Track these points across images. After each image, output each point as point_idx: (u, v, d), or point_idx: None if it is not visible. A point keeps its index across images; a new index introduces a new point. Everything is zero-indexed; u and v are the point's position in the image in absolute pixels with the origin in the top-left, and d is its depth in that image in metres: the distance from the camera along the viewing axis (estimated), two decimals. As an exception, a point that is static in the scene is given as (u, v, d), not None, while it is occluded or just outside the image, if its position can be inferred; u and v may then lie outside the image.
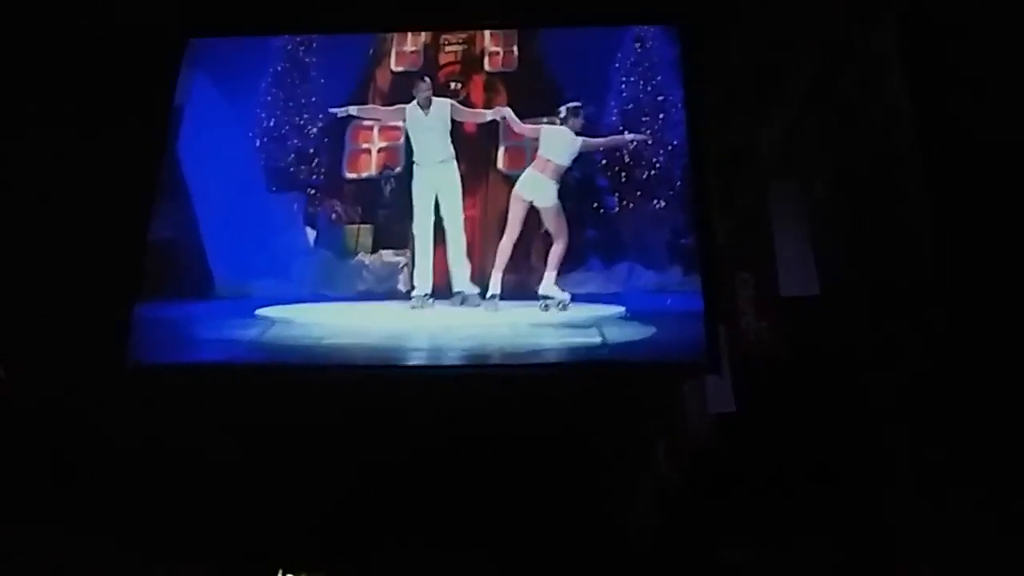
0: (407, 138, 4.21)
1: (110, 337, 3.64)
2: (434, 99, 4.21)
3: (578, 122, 4.09)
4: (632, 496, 3.57)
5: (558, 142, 4.11)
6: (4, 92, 3.87)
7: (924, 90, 3.24)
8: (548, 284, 3.89)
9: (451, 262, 4.02)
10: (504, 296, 3.94)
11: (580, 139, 4.10)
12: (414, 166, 4.16)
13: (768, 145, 3.86)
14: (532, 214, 4.04)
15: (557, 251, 3.94)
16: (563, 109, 4.12)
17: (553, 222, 3.98)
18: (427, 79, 4.25)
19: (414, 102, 4.21)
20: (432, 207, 4.07)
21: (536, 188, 4.06)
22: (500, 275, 3.94)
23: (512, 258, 3.97)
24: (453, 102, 4.23)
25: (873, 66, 3.50)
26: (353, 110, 4.23)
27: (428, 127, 4.17)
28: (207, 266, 3.99)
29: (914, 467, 3.12)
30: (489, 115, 4.20)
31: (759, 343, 3.52)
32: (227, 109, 4.31)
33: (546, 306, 3.84)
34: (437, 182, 4.10)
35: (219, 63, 4.37)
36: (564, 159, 4.09)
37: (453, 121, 4.19)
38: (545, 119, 4.19)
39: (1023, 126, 2.94)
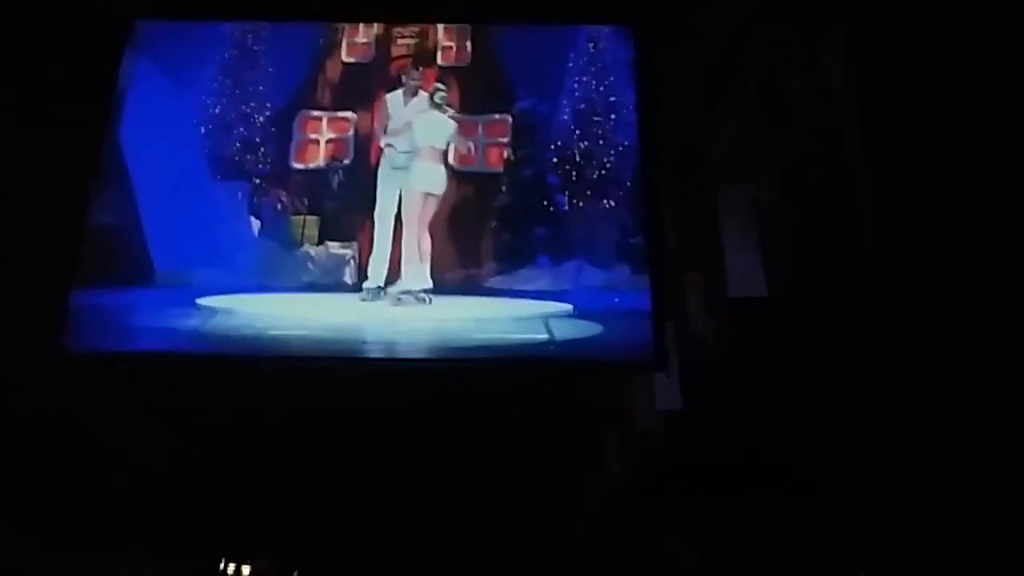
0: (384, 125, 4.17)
1: (47, 324, 3.53)
2: (420, 92, 4.19)
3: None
4: (579, 492, 3.56)
5: (432, 127, 4.13)
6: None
7: (870, 97, 3.30)
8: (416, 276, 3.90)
9: (404, 256, 3.97)
10: (452, 291, 3.91)
11: (453, 121, 4.15)
12: (385, 152, 4.12)
13: (718, 148, 3.91)
14: (477, 204, 4.03)
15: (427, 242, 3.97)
16: (433, 92, 4.16)
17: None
18: (420, 70, 4.22)
19: (400, 89, 4.19)
20: (396, 198, 4.03)
21: (427, 179, 4.08)
22: (412, 268, 3.92)
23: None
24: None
25: (820, 72, 3.57)
26: None
27: (407, 117, 4.12)
28: (147, 253, 3.88)
29: (855, 464, 3.17)
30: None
31: (707, 342, 3.56)
32: (172, 94, 4.20)
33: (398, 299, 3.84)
34: (403, 174, 4.05)
35: (165, 47, 4.26)
36: (440, 142, 4.12)
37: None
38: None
39: (966, 133, 3.01)
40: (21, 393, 3.41)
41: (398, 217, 4.03)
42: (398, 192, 4.05)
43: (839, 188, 3.55)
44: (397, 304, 3.85)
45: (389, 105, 4.19)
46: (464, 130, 4.21)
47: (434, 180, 4.09)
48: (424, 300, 3.87)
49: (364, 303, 3.85)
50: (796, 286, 3.51)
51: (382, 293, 3.87)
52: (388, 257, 3.96)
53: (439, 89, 4.17)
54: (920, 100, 3.30)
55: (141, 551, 3.37)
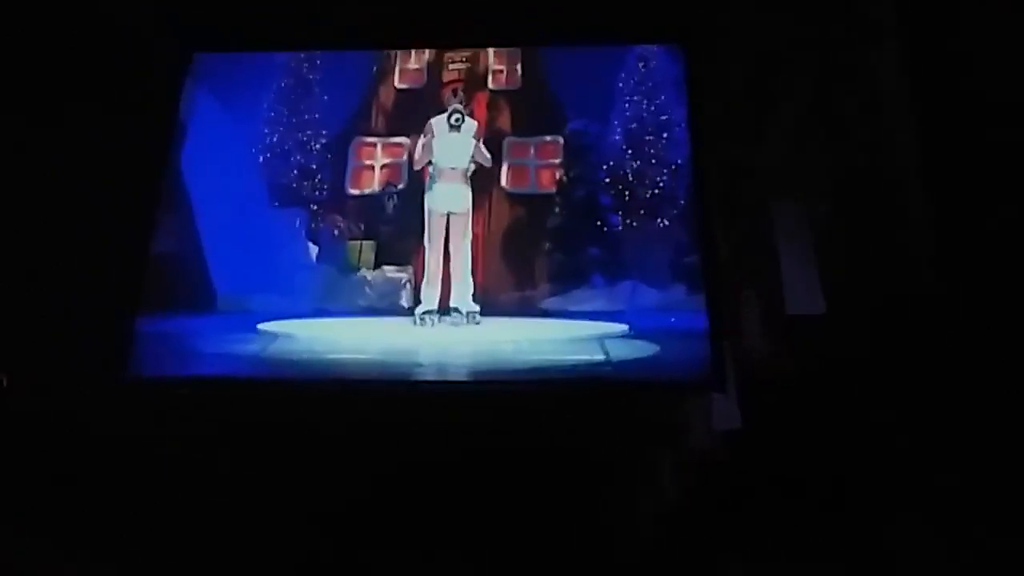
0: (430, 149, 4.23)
1: (111, 350, 3.63)
2: (467, 118, 4.25)
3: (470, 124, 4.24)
4: (636, 513, 3.54)
5: (452, 148, 4.20)
6: (6, 103, 3.85)
7: (925, 105, 3.27)
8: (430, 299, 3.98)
9: (425, 278, 4.02)
10: (506, 313, 3.94)
11: (473, 141, 4.21)
12: (432, 179, 4.18)
13: (771, 163, 3.88)
14: (531, 226, 4.09)
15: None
16: (450, 117, 4.24)
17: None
18: (459, 95, 4.31)
19: (444, 115, 4.25)
20: (445, 223, 4.08)
21: (446, 200, 4.13)
22: (435, 291, 4.00)
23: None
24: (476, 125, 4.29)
25: (873, 83, 3.54)
26: None
27: (455, 142, 4.18)
28: (209, 280, 3.98)
29: (920, 486, 3.11)
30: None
31: (764, 360, 3.52)
32: (230, 124, 4.31)
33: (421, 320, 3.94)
34: (451, 198, 4.10)
35: (223, 78, 4.39)
36: (460, 162, 4.16)
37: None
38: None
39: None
40: (87, 419, 3.50)
41: (446, 241, 4.08)
42: (447, 216, 4.11)
43: (895, 200, 3.52)
44: (427, 326, 3.93)
45: (435, 129, 4.24)
46: (516, 152, 4.26)
47: (455, 199, 4.14)
48: (434, 321, 3.93)
49: (416, 327, 3.90)
50: (855, 302, 3.47)
51: (435, 316, 3.92)
52: (438, 281, 4.03)
53: (456, 111, 4.23)
54: (974, 107, 3.26)
55: (203, 573, 3.44)
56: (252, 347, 3.80)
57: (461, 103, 4.27)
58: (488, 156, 4.20)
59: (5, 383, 3.51)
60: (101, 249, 3.76)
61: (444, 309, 3.95)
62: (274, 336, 3.83)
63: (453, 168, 4.15)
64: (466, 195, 4.13)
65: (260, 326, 3.88)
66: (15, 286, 3.64)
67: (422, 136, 4.23)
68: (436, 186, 4.15)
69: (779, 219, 3.72)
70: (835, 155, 3.71)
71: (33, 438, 3.45)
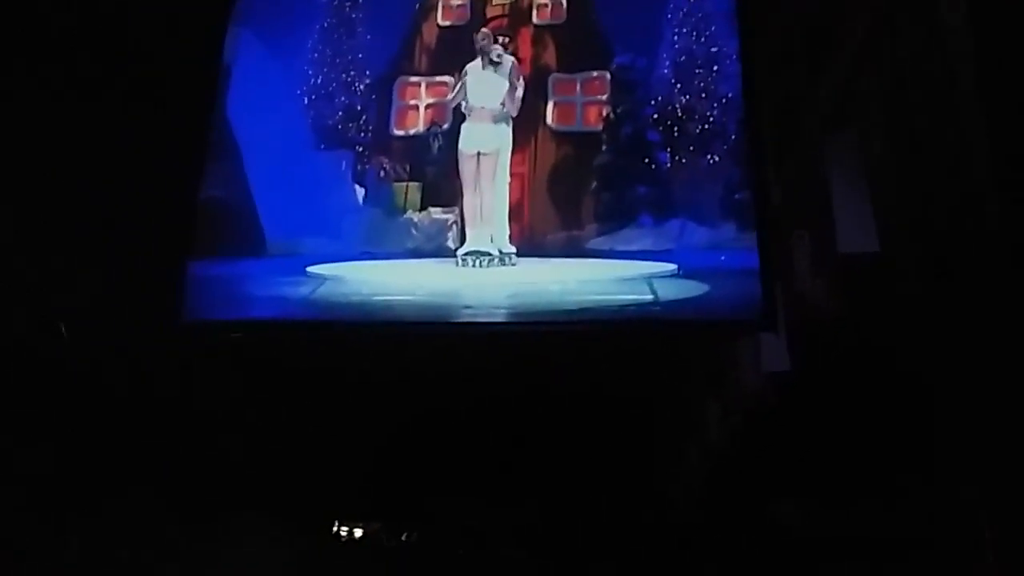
0: (464, 90, 4.14)
1: (164, 294, 3.69)
2: (504, 57, 4.15)
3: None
4: (684, 454, 3.55)
5: (484, 87, 4.09)
6: (55, 53, 3.88)
7: (988, 44, 3.12)
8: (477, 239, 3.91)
9: (495, 222, 3.99)
10: (554, 253, 3.91)
11: (506, 79, 4.09)
12: (465, 118, 4.11)
13: (824, 98, 3.76)
14: (577, 165, 3.99)
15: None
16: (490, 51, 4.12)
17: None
18: (495, 35, 4.20)
19: (478, 60, 4.16)
20: (476, 163, 4.04)
21: (474, 140, 4.04)
22: (474, 232, 3.93)
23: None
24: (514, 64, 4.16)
25: (934, 19, 3.38)
26: None
27: (488, 80, 4.11)
28: (258, 224, 4.01)
29: (971, 427, 3.06)
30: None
31: (815, 301, 3.46)
32: (275, 67, 4.30)
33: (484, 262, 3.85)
34: (480, 137, 4.05)
35: (266, 20, 4.35)
36: (493, 101, 4.06)
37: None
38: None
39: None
40: (141, 362, 3.58)
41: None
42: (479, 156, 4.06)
43: (953, 134, 3.39)
44: (470, 266, 3.87)
45: (470, 66, 4.17)
46: (561, 89, 4.18)
47: (485, 138, 4.06)
48: (488, 263, 3.87)
49: (463, 268, 3.89)
50: (910, 239, 3.37)
51: (474, 258, 3.90)
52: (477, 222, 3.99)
53: (496, 47, 4.13)
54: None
55: (256, 514, 3.53)
56: (302, 290, 3.82)
57: (503, 43, 4.17)
58: (517, 103, 4.11)
59: (64, 331, 3.60)
60: (152, 196, 3.80)
61: (477, 251, 3.90)
62: (323, 279, 3.86)
63: (483, 107, 4.08)
64: (497, 134, 4.05)
65: (309, 269, 3.90)
66: (70, 236, 3.72)
67: (463, 75, 4.15)
68: (465, 126, 4.08)
69: (832, 155, 3.61)
70: (892, 90, 3.57)
71: (93, 383, 3.56)
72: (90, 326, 3.63)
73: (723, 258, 3.73)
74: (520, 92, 4.10)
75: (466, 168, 4.02)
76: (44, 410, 3.43)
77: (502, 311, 3.81)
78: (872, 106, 3.59)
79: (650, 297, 3.66)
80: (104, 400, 3.55)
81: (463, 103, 4.11)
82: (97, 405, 3.54)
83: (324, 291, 3.83)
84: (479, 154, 4.02)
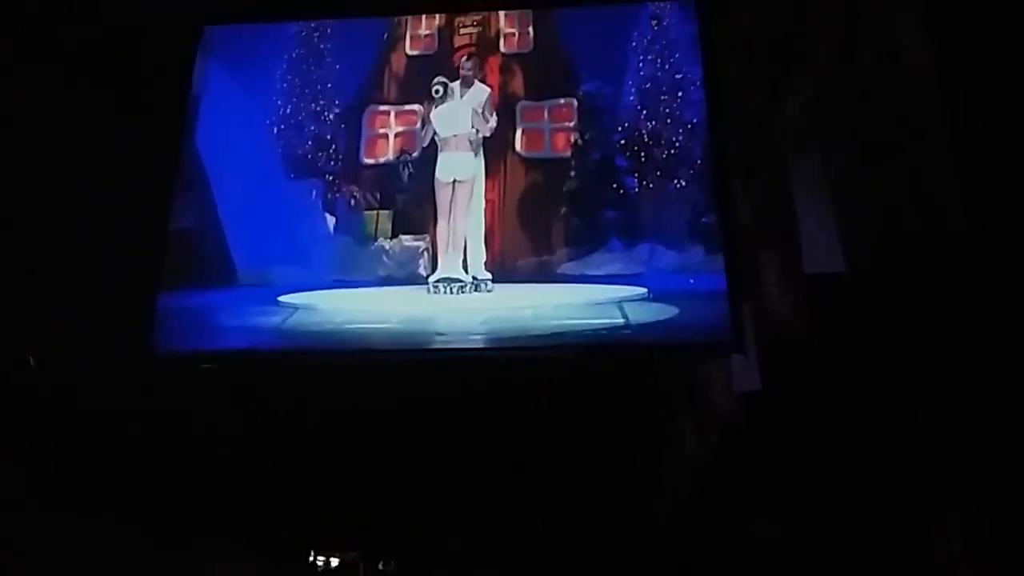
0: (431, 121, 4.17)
1: (134, 326, 3.67)
2: (476, 83, 4.21)
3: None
4: (658, 475, 3.57)
5: (449, 117, 4.14)
6: (24, 83, 3.87)
7: (947, 60, 3.20)
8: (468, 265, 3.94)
9: (470, 247, 4.01)
10: (525, 279, 3.94)
11: (470, 106, 4.15)
12: (440, 149, 4.14)
13: (788, 120, 3.83)
14: (547, 190, 4.05)
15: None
16: (438, 86, 4.15)
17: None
18: (471, 60, 4.26)
19: (457, 81, 4.20)
20: (451, 191, 4.07)
21: (450, 168, 4.09)
22: (446, 258, 3.96)
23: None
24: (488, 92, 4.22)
25: (894, 37, 3.46)
26: None
27: (452, 110, 4.15)
28: (229, 254, 4.00)
29: (940, 445, 3.10)
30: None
31: (784, 320, 3.51)
32: (244, 97, 4.30)
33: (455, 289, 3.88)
34: (455, 165, 4.08)
35: (235, 51, 4.38)
36: (462, 129, 4.12)
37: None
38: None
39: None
40: (111, 394, 3.55)
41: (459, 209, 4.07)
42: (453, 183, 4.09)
43: (917, 155, 3.46)
44: (442, 294, 3.89)
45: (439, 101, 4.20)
46: (529, 116, 4.22)
47: (459, 167, 4.10)
48: (458, 290, 3.90)
49: (435, 296, 3.90)
50: (876, 258, 3.43)
51: (445, 285, 3.92)
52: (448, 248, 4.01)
53: (442, 83, 4.16)
54: (996, 55, 3.19)
55: (231, 544, 3.50)
56: (273, 319, 3.82)
57: (472, 68, 4.22)
58: (491, 123, 4.15)
59: (33, 363, 3.57)
60: (121, 228, 3.78)
61: (449, 278, 3.92)
62: (295, 308, 3.86)
63: (455, 135, 4.12)
64: (470, 162, 4.10)
65: (281, 298, 3.90)
66: (39, 268, 3.69)
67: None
68: (441, 155, 4.12)
69: (798, 176, 3.67)
70: (854, 110, 3.65)
71: (61, 414, 3.52)
72: (60, 357, 3.60)
73: (692, 281, 3.78)
74: (493, 122, 4.14)
75: (441, 195, 4.06)
76: (13, 440, 3.39)
77: (476, 337, 3.82)
78: (835, 126, 3.66)
79: (621, 321, 3.70)
80: (75, 431, 3.52)
81: (435, 135, 4.14)
82: (68, 436, 3.50)
83: (296, 320, 3.83)
84: (455, 181, 4.06)
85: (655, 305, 3.75)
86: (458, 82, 4.20)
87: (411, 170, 4.16)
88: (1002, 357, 2.79)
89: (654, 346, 3.71)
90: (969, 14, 3.15)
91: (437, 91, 4.15)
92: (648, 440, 3.55)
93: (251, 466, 3.57)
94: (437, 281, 3.92)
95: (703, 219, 3.88)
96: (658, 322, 3.67)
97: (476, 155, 4.12)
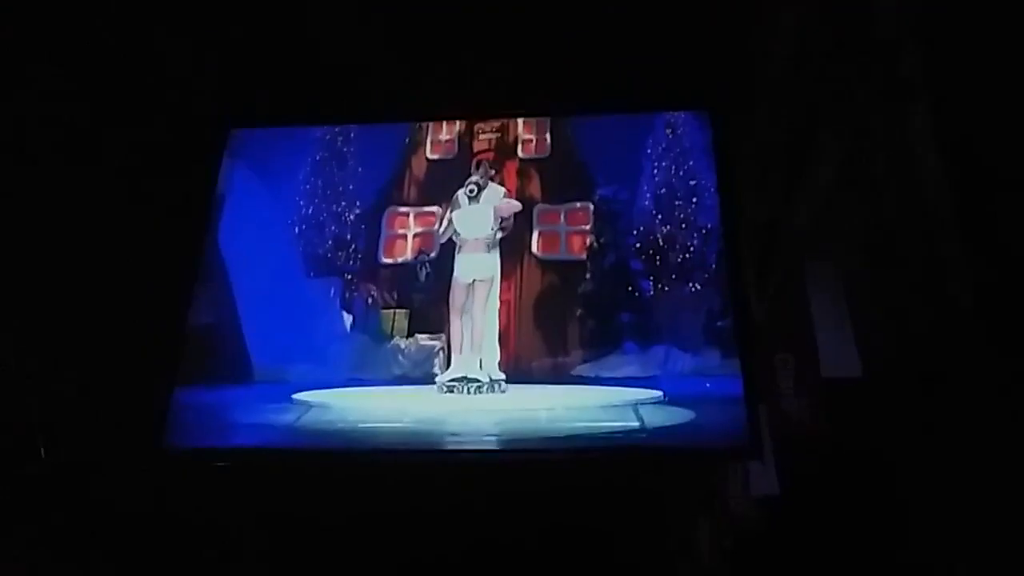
0: (452, 225, 4.28)
1: (149, 421, 3.67)
2: (491, 184, 4.31)
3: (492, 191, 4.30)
4: (675, 583, 3.49)
5: (471, 219, 4.25)
6: (46, 174, 3.97)
7: (960, 165, 3.26)
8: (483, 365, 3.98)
9: (484, 347, 4.03)
10: (539, 380, 3.94)
11: (491, 207, 4.25)
12: (458, 250, 4.22)
13: (802, 223, 3.88)
14: (562, 292, 4.10)
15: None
16: (472, 186, 4.30)
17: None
18: (481, 166, 4.36)
19: (465, 188, 4.30)
20: (468, 291, 4.11)
21: (469, 269, 4.16)
22: (460, 357, 4.01)
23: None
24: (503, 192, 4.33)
25: (906, 143, 3.53)
26: None
27: (475, 212, 4.23)
28: (246, 351, 4.03)
29: (961, 544, 3.03)
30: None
31: (800, 424, 3.48)
32: (267, 197, 4.40)
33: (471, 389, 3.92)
34: (475, 266, 4.13)
35: (260, 153, 4.50)
36: (483, 232, 4.21)
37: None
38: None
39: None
40: (124, 490, 3.54)
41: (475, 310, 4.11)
42: (473, 283, 4.15)
43: (932, 258, 3.48)
44: (455, 393, 3.91)
45: (460, 200, 4.30)
46: (546, 219, 4.29)
47: (478, 267, 4.17)
48: (475, 390, 3.92)
49: (448, 395, 3.91)
50: (893, 364, 3.42)
51: (459, 384, 3.93)
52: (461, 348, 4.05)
53: (471, 183, 4.29)
54: (1008, 160, 3.24)
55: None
56: (287, 417, 3.81)
57: (484, 175, 4.32)
58: (513, 206, 4.27)
59: (43, 451, 3.56)
60: (139, 322, 3.82)
61: (466, 378, 3.94)
62: (308, 406, 3.85)
63: (476, 238, 4.19)
64: (490, 263, 4.16)
65: (295, 396, 3.90)
66: (55, 359, 3.72)
67: (448, 210, 4.29)
68: (460, 256, 4.19)
69: (812, 281, 3.70)
70: (868, 214, 3.69)
71: (71, 508, 3.49)
72: (72, 449, 3.59)
73: (708, 385, 3.76)
74: (510, 221, 4.21)
75: (458, 295, 4.10)
76: (20, 529, 3.37)
77: (490, 438, 3.79)
78: (850, 231, 3.70)
79: (636, 424, 3.67)
80: (83, 524, 3.48)
81: (454, 236, 4.21)
82: (75, 529, 3.47)
83: (309, 418, 3.82)
84: (474, 281, 4.10)
85: (671, 408, 3.73)
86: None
87: (428, 269, 4.21)
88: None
89: (670, 450, 3.67)
90: (982, 125, 3.23)
91: (472, 191, 4.27)
92: (663, 545, 3.48)
93: (260, 565, 3.51)
94: (452, 380, 3.92)
95: (719, 323, 3.89)
96: (674, 426, 3.64)
97: (493, 255, 4.17)
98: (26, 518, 3.38)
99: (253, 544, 3.46)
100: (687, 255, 4.11)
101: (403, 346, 4.05)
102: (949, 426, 3.12)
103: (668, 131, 4.38)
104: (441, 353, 4.02)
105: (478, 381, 3.92)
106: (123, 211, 4.03)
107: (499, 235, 4.21)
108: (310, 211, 4.39)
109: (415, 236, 4.33)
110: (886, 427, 3.28)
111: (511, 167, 4.42)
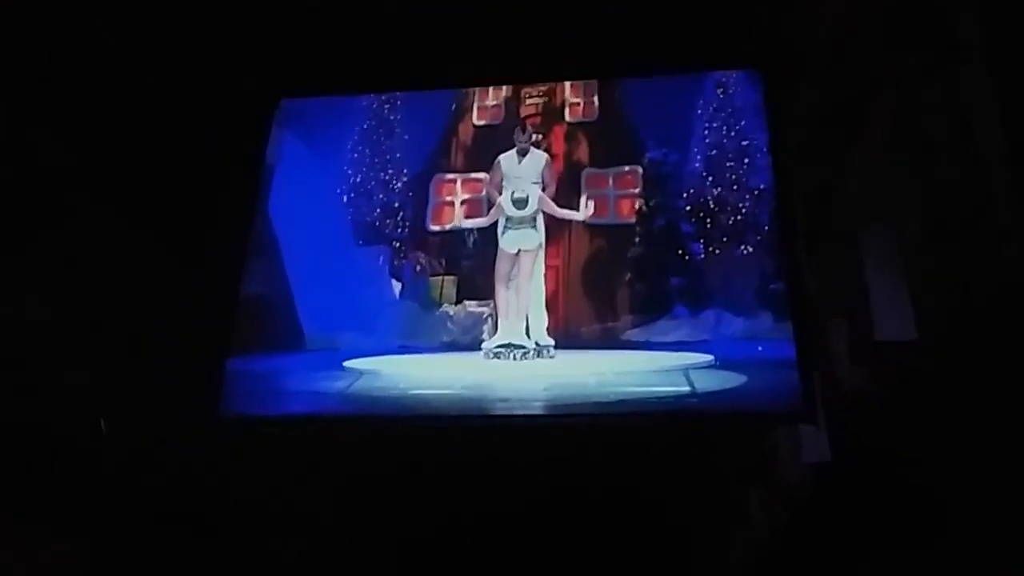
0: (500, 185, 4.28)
1: (204, 390, 3.74)
2: (532, 150, 4.28)
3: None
4: (723, 548, 3.46)
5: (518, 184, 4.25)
6: (101, 150, 4.04)
7: (1016, 123, 3.14)
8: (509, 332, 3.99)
9: (532, 314, 4.02)
10: (589, 345, 3.93)
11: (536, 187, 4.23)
12: (504, 215, 4.20)
13: (857, 185, 3.77)
14: (611, 257, 4.09)
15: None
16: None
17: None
18: (528, 129, 4.34)
19: (512, 150, 4.29)
20: (514, 260, 4.10)
21: (517, 239, 4.16)
22: (507, 324, 4.02)
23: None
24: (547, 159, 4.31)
25: (962, 101, 3.41)
26: None
27: (521, 176, 4.20)
28: (297, 320, 4.09)
29: (1015, 514, 2.95)
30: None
31: (854, 390, 3.41)
32: (316, 166, 4.44)
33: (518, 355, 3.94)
34: (521, 237, 4.12)
35: (308, 122, 4.52)
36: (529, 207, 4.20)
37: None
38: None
39: None
40: (182, 457, 3.61)
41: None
42: (518, 249, 4.17)
43: (988, 220, 3.37)
44: (503, 360, 3.94)
45: (503, 165, 4.28)
46: (594, 183, 4.25)
47: (524, 238, 4.17)
48: (521, 356, 3.95)
49: (496, 362, 3.93)
50: (947, 327, 3.33)
51: (507, 351, 3.96)
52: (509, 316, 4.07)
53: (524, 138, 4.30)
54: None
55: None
56: (338, 384, 3.86)
57: (530, 137, 4.28)
58: (549, 190, 4.26)
59: (104, 426, 3.65)
60: (194, 293, 3.88)
61: (511, 344, 3.96)
62: (359, 373, 3.90)
63: (521, 214, 4.19)
64: (537, 231, 4.14)
65: (346, 363, 3.95)
66: (112, 330, 3.80)
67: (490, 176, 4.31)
68: (506, 226, 4.20)
69: (867, 243, 3.60)
70: (924, 176, 3.58)
71: (131, 478, 3.58)
72: (129, 420, 3.68)
73: (760, 349, 3.72)
74: (553, 188, 4.18)
75: (503, 264, 4.09)
76: (81, 504, 3.46)
77: (538, 404, 3.81)
78: (905, 193, 3.59)
79: (687, 389, 3.64)
80: (141, 495, 3.57)
81: (502, 205, 4.21)
82: (134, 500, 3.56)
83: (360, 385, 3.87)
84: (519, 251, 4.09)
85: (722, 373, 3.69)
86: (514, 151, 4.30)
87: (476, 236, 4.21)
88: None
89: (721, 415, 3.64)
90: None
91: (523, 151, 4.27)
92: (713, 511, 3.45)
93: (313, 532, 3.57)
94: (498, 347, 3.93)
95: (771, 286, 3.83)
96: (725, 390, 3.61)
97: (539, 223, 4.14)
98: (88, 491, 3.48)
99: (305, 509, 3.52)
100: (739, 217, 4.05)
101: (452, 313, 4.07)
102: (1007, 394, 3.03)
103: (719, 91, 4.30)
104: (490, 320, 4.03)
105: (523, 347, 3.92)
106: (176, 183, 4.08)
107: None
108: (358, 179, 4.41)
109: (462, 203, 4.33)
110: (941, 395, 3.20)
111: (559, 131, 4.38)
